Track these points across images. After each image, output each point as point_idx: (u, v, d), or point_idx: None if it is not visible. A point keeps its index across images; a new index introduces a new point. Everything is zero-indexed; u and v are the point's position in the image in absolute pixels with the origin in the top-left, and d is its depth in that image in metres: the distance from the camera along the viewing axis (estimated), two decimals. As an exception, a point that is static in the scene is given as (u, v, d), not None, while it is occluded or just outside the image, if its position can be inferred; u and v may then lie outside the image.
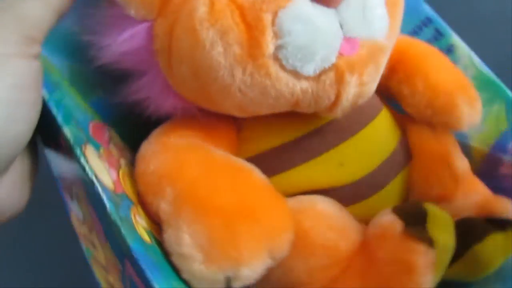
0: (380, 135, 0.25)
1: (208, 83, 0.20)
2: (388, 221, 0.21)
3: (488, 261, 0.23)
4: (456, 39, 0.32)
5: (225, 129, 0.23)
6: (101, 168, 0.19)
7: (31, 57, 0.19)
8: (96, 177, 0.18)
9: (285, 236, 0.20)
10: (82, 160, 0.19)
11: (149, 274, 0.17)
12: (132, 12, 0.21)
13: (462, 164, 0.27)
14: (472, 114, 0.27)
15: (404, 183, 0.26)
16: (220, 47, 0.18)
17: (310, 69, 0.19)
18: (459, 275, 0.24)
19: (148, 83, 0.22)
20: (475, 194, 0.26)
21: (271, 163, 0.24)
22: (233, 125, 0.24)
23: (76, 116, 0.21)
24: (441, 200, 0.26)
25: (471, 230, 0.23)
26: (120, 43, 0.21)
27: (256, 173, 0.21)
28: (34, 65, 0.19)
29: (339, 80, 0.20)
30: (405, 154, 0.27)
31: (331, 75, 0.20)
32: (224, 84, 0.19)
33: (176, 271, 0.19)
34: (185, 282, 0.18)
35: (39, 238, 0.40)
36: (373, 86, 0.22)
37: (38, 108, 0.19)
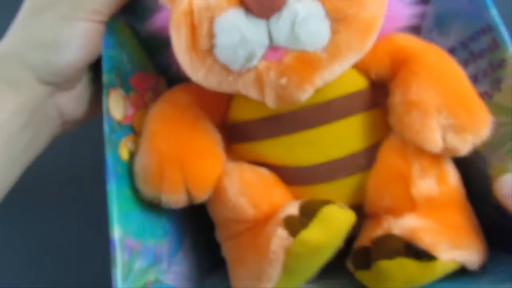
0: (337, 136, 0.28)
1: (180, 62, 0.27)
2: (288, 207, 0.25)
3: (390, 280, 0.25)
4: (509, 54, 0.28)
5: (216, 98, 0.30)
6: (119, 104, 0.30)
7: (95, 21, 0.29)
8: (108, 109, 0.29)
9: (201, 185, 0.27)
10: (104, 97, 0.29)
11: (109, 177, 0.27)
12: (160, 1, 0.29)
13: (422, 188, 0.26)
14: (453, 140, 0.25)
15: (357, 185, 0.28)
16: (176, 38, 0.26)
17: (235, 67, 0.24)
18: (366, 281, 0.26)
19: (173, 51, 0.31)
20: (417, 220, 0.26)
21: (241, 132, 0.30)
22: (224, 96, 0.30)
23: (121, 68, 0.32)
24: (389, 213, 0.27)
25: (387, 246, 0.25)
26: (158, 18, 0.31)
27: (207, 137, 0.28)
28: (97, 27, 0.29)
29: (259, 79, 0.24)
30: (370, 160, 0.28)
31: (253, 74, 0.24)
32: (185, 65, 0.27)
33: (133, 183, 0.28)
34: (134, 190, 0.28)
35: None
36: (303, 87, 0.24)
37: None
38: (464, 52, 0.31)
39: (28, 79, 0.28)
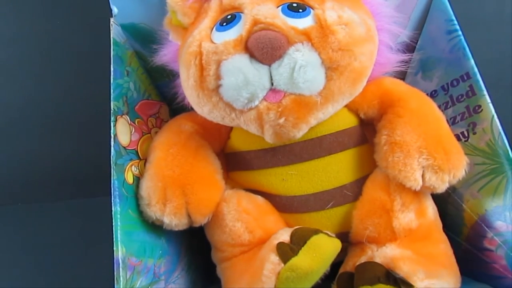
0: (328, 169, 0.30)
1: (187, 96, 0.30)
2: (280, 234, 0.28)
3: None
4: (485, 100, 0.31)
5: (217, 128, 0.32)
6: (125, 131, 0.32)
7: None
8: (115, 135, 0.31)
9: (201, 210, 0.29)
10: (112, 124, 0.31)
11: (114, 199, 0.29)
12: (170, 38, 0.32)
13: (403, 221, 0.29)
14: (432, 179, 0.28)
15: (344, 215, 0.31)
16: (185, 76, 0.28)
17: (238, 105, 0.27)
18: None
19: (178, 83, 0.33)
20: (397, 250, 0.28)
21: (239, 161, 0.32)
22: (225, 127, 0.32)
23: (129, 95, 0.34)
24: (372, 242, 0.30)
25: (370, 273, 0.27)
26: (167, 53, 0.33)
27: (209, 165, 0.31)
28: None
29: (259, 118, 0.27)
30: (357, 192, 0.31)
31: (254, 113, 0.27)
32: (191, 99, 0.29)
33: (136, 205, 0.30)
34: (139, 213, 0.30)
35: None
36: (298, 127, 0.27)
37: None
38: (444, 95, 0.34)
39: None
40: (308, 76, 0.26)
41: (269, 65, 0.26)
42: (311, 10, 0.27)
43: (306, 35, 0.26)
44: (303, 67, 0.25)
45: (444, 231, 0.32)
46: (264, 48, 0.25)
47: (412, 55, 0.36)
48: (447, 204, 0.33)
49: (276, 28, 0.26)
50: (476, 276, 0.32)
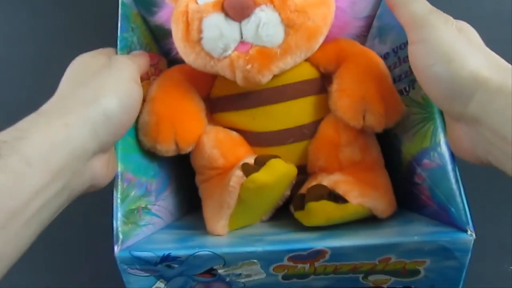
0: (289, 111, 0.37)
1: (177, 48, 0.37)
2: (247, 158, 0.35)
3: (316, 217, 0.34)
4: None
5: (203, 77, 0.39)
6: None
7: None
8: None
9: (186, 140, 0.37)
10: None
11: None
12: (166, 1, 0.39)
13: (347, 154, 0.36)
14: (370, 120, 0.35)
15: (302, 150, 0.38)
16: (175, 30, 0.35)
17: (215, 54, 0.34)
18: (301, 219, 0.35)
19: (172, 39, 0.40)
20: (341, 176, 0.35)
21: (219, 104, 0.40)
22: (210, 76, 0.40)
23: (132, 47, 0.41)
24: (323, 171, 0.37)
25: (316, 192, 0.34)
26: (164, 14, 0.40)
27: (194, 105, 0.38)
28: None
29: (232, 64, 0.34)
30: (313, 131, 0.38)
31: (227, 60, 0.34)
32: (180, 50, 0.36)
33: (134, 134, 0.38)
34: (136, 141, 0.38)
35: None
36: (262, 73, 0.34)
37: None
38: (394, 57, 0.41)
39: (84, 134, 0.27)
40: (270, 31, 0.32)
41: (240, 22, 0.32)
42: None
43: None
44: (266, 24, 0.32)
45: (387, 170, 0.39)
46: (236, 8, 0.32)
47: (370, 24, 0.42)
48: (391, 148, 0.40)
49: (246, -8, 0.32)
50: (410, 207, 0.39)
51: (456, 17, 0.31)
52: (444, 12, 0.32)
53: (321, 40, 0.36)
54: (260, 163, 0.33)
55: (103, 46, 0.37)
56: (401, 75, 0.40)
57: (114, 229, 0.32)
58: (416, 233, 0.32)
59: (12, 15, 0.58)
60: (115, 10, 0.41)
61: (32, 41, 0.58)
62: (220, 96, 0.39)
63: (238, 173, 0.33)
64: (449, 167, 0.34)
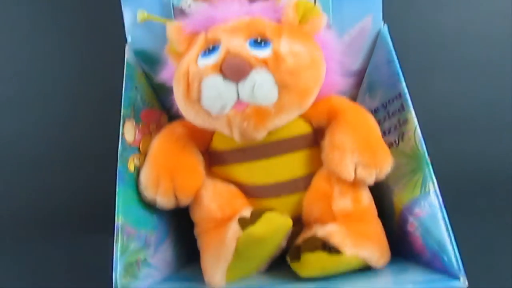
0: (284, 165, 0.39)
1: (178, 105, 0.39)
2: (243, 211, 0.36)
3: (311, 268, 0.35)
4: (411, 115, 0.40)
5: (202, 132, 0.41)
6: (131, 131, 0.42)
7: None
8: (122, 133, 0.40)
9: (185, 193, 0.38)
10: (121, 125, 0.41)
11: (118, 181, 0.38)
12: (169, 61, 0.41)
13: (340, 206, 0.37)
14: (361, 173, 0.37)
15: (297, 202, 0.39)
16: (176, 89, 0.37)
17: (214, 112, 0.36)
18: (297, 270, 0.36)
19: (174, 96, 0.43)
20: (335, 227, 0.36)
21: (217, 158, 0.41)
22: (208, 132, 0.42)
23: (135, 104, 0.43)
24: (317, 222, 0.38)
25: (311, 243, 0.36)
26: (167, 73, 0.43)
27: (193, 159, 0.40)
28: None
29: (229, 122, 0.36)
30: (307, 184, 0.39)
31: (225, 118, 0.36)
32: (181, 107, 0.38)
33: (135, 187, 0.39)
34: (138, 194, 0.39)
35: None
36: (258, 129, 0.36)
37: None
38: (384, 111, 0.43)
39: None
40: (265, 91, 0.35)
41: (237, 83, 0.35)
42: (271, 43, 0.37)
43: (264, 62, 0.35)
44: (261, 85, 0.35)
45: (381, 219, 0.40)
46: (233, 70, 0.34)
47: (361, 80, 0.45)
48: (384, 198, 0.42)
49: (242, 56, 0.35)
50: (405, 256, 0.39)
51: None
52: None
53: (312, 98, 0.38)
54: (256, 216, 0.35)
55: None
56: (390, 128, 0.42)
57: (114, 281, 0.33)
58: (411, 281, 0.33)
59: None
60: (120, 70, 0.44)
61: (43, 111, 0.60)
62: (218, 150, 0.41)
63: (235, 226, 0.34)
64: (439, 215, 0.35)
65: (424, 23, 0.58)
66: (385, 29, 0.45)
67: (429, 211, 0.36)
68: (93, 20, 0.58)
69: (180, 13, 0.45)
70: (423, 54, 0.58)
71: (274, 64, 0.35)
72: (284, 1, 0.40)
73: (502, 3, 0.58)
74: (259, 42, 0.37)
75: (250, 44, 0.36)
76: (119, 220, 0.36)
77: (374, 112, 0.44)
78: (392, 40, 0.44)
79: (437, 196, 0.36)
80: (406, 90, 0.41)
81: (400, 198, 0.40)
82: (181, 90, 0.37)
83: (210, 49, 0.37)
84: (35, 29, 0.59)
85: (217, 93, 0.35)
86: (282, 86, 0.35)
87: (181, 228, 0.45)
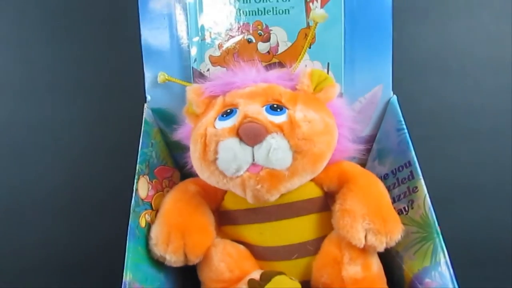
0: (295, 228, 0.39)
1: (193, 164, 0.40)
2: (253, 273, 0.36)
3: None
4: (420, 183, 0.41)
5: (214, 191, 0.42)
6: (145, 187, 0.42)
7: None
8: (136, 189, 0.41)
9: (196, 252, 0.38)
10: (135, 180, 0.42)
11: (129, 237, 0.38)
12: (186, 121, 0.43)
13: (350, 272, 0.37)
14: (372, 239, 0.37)
15: (306, 265, 0.39)
16: (193, 149, 0.39)
17: (229, 173, 0.37)
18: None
19: (189, 154, 0.44)
20: None
21: (228, 218, 0.42)
22: (220, 191, 0.42)
23: (151, 161, 0.44)
24: (326, 287, 0.38)
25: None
26: (183, 132, 0.44)
27: (204, 218, 0.40)
28: None
29: (243, 184, 0.37)
30: (317, 247, 0.39)
31: (239, 180, 0.37)
32: (196, 167, 0.39)
33: (145, 244, 0.39)
34: (147, 250, 0.39)
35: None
36: (271, 192, 0.37)
37: None
38: (393, 178, 0.44)
39: None
40: (279, 156, 0.36)
41: (252, 147, 0.36)
42: (286, 110, 0.38)
43: (280, 128, 0.36)
44: (276, 150, 0.36)
45: (390, 287, 0.39)
46: (249, 135, 0.36)
47: (370, 146, 0.46)
48: (393, 265, 0.41)
49: (259, 121, 0.36)
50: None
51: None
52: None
53: (325, 163, 0.39)
54: (265, 279, 0.35)
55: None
56: (400, 195, 0.43)
57: None
58: None
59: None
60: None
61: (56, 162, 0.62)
62: (229, 210, 0.42)
63: None
64: (450, 286, 0.35)
65: (433, 91, 0.60)
66: (394, 99, 0.47)
67: (440, 282, 0.36)
68: (115, 78, 0.61)
69: (198, 76, 0.47)
70: (432, 123, 0.60)
71: (289, 130, 0.36)
72: (299, 70, 0.43)
73: (506, 78, 0.60)
74: (275, 108, 0.38)
75: (267, 110, 0.38)
76: (127, 277, 0.35)
77: (384, 178, 0.45)
78: (401, 109, 0.46)
79: (448, 267, 0.36)
80: (415, 159, 0.42)
81: (410, 267, 0.39)
82: (198, 150, 0.38)
83: (227, 113, 0.39)
84: (56, 80, 0.62)
85: (233, 156, 0.36)
86: (296, 151, 0.36)
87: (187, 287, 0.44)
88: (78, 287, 0.60)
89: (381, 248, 0.37)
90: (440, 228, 0.38)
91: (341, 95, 0.43)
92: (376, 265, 0.39)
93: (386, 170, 0.45)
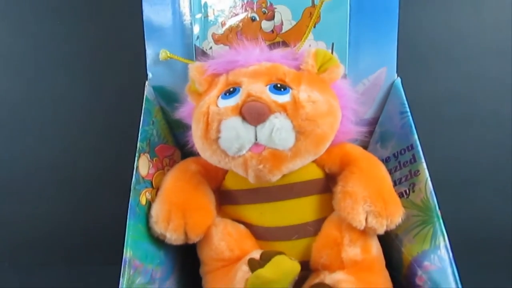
0: (295, 209, 0.39)
1: (195, 143, 0.40)
2: (253, 253, 0.36)
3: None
4: (422, 166, 0.40)
5: (215, 171, 0.42)
6: (145, 165, 0.42)
7: None
8: (137, 167, 0.41)
9: (196, 231, 0.38)
10: (136, 158, 0.41)
11: (129, 214, 0.38)
12: (188, 99, 0.43)
13: (350, 254, 0.37)
14: (372, 222, 0.37)
15: (306, 246, 0.39)
16: (195, 128, 0.38)
17: (231, 153, 0.36)
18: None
19: (190, 133, 0.43)
20: (343, 276, 0.36)
21: (229, 197, 0.42)
22: (221, 170, 0.42)
23: (152, 139, 0.44)
24: (325, 268, 0.38)
25: (317, 289, 0.35)
26: (185, 111, 0.44)
27: (205, 197, 0.40)
28: None
29: (245, 163, 0.36)
30: (317, 229, 0.39)
31: (241, 159, 0.36)
32: (198, 146, 0.39)
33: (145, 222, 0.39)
34: (147, 228, 0.39)
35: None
36: (273, 172, 0.36)
37: None
38: (395, 161, 0.44)
39: None
40: (282, 136, 0.35)
41: (255, 126, 0.36)
42: (290, 89, 0.38)
43: (283, 107, 0.36)
44: (279, 130, 0.35)
45: (388, 269, 0.40)
46: (252, 114, 0.35)
47: (373, 128, 0.46)
48: (392, 248, 0.42)
49: (262, 100, 0.36)
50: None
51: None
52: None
53: (327, 145, 0.39)
54: (265, 259, 0.35)
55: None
56: (401, 178, 0.42)
57: None
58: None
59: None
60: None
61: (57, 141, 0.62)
62: (230, 190, 0.41)
63: (244, 268, 0.34)
64: (449, 270, 0.35)
65: (437, 75, 0.60)
66: (398, 81, 0.46)
67: (439, 265, 0.36)
68: (116, 55, 0.60)
69: (201, 54, 0.46)
70: (435, 107, 0.60)
71: (292, 110, 0.36)
72: (303, 50, 0.42)
73: (510, 64, 0.60)
74: (279, 87, 0.38)
75: (270, 89, 0.38)
76: (127, 253, 0.36)
77: (385, 161, 0.45)
78: (405, 92, 0.45)
79: (448, 250, 0.36)
80: (418, 142, 0.41)
81: (410, 249, 0.39)
82: (200, 128, 0.38)
83: (231, 91, 0.38)
84: (57, 55, 0.61)
85: (236, 135, 0.36)
86: (299, 132, 0.36)
87: (185, 267, 0.44)
88: (79, 263, 0.61)
89: (381, 231, 0.37)
90: (441, 212, 0.38)
91: (344, 76, 0.43)
92: (375, 247, 0.39)
93: (388, 153, 0.45)
